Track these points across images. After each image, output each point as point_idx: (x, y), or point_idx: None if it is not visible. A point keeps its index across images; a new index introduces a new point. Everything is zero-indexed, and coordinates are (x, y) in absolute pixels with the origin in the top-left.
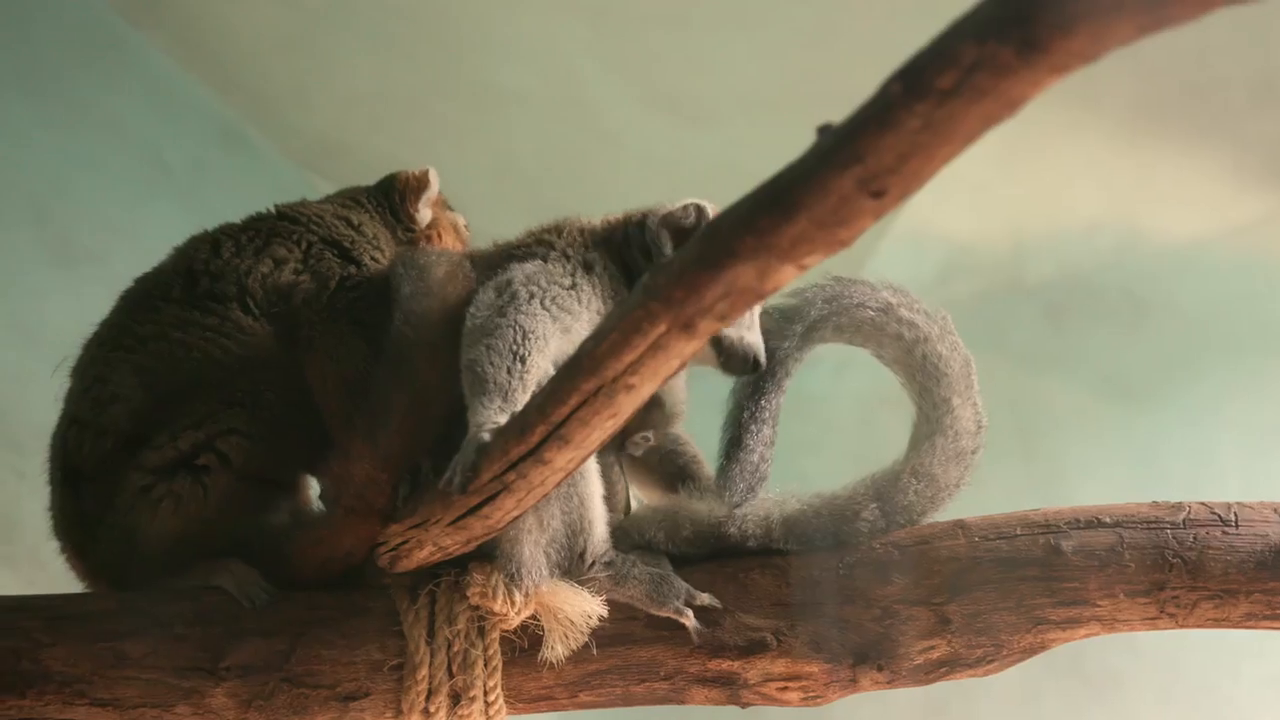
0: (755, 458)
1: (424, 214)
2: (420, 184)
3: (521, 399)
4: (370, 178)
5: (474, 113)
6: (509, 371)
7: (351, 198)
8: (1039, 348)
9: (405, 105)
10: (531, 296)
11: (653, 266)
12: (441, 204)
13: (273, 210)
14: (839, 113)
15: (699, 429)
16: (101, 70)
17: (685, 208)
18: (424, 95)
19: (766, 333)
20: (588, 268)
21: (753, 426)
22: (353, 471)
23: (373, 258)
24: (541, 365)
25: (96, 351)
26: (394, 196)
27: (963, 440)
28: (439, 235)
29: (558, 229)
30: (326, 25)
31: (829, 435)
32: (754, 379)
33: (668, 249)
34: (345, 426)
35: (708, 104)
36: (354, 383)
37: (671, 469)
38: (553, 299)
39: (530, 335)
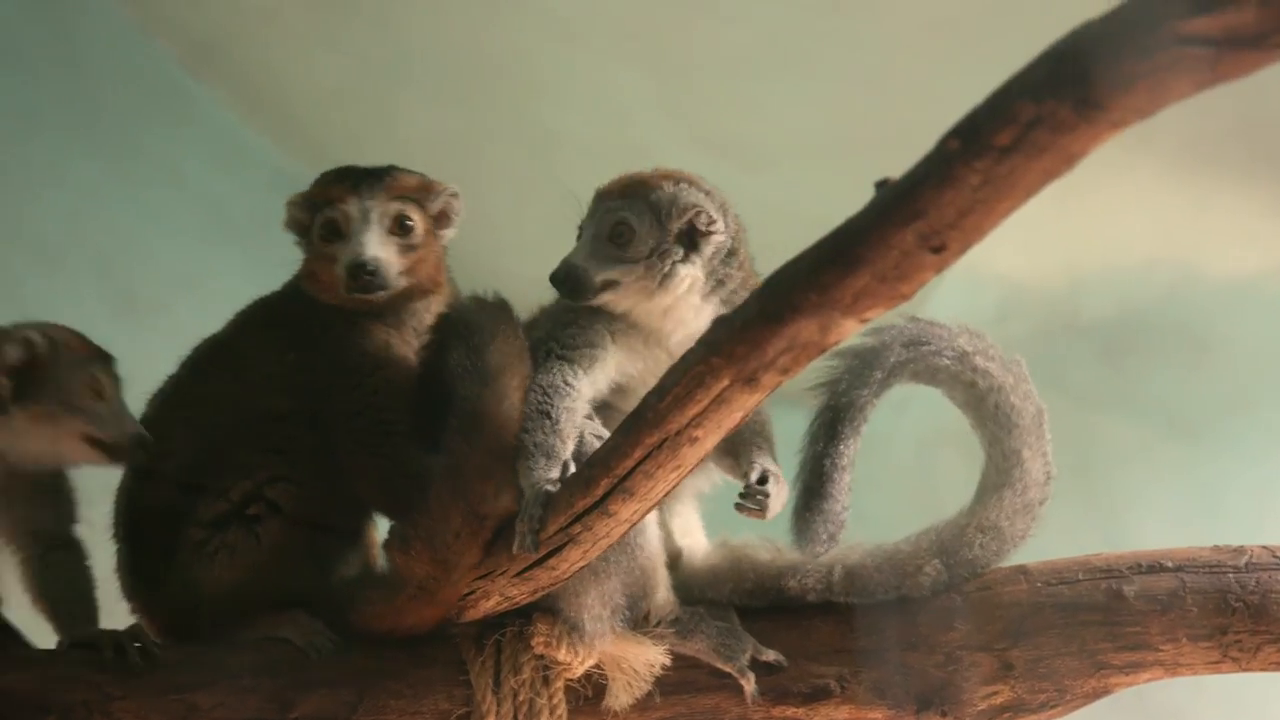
0: (837, 507)
1: None
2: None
3: (563, 449)
4: None
5: (530, 158)
6: (543, 431)
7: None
8: (1096, 386)
9: (462, 152)
10: (548, 354)
11: (713, 322)
12: None
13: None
14: (892, 157)
15: None
16: (164, 122)
17: None
18: (480, 142)
19: (842, 377)
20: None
21: (834, 475)
22: (413, 570)
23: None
24: (573, 410)
25: (158, 409)
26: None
27: (1030, 492)
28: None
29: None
30: (384, 75)
31: (888, 474)
32: (833, 424)
33: None
34: (395, 514)
35: (761, 148)
36: (392, 476)
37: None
38: (563, 345)
39: (551, 389)
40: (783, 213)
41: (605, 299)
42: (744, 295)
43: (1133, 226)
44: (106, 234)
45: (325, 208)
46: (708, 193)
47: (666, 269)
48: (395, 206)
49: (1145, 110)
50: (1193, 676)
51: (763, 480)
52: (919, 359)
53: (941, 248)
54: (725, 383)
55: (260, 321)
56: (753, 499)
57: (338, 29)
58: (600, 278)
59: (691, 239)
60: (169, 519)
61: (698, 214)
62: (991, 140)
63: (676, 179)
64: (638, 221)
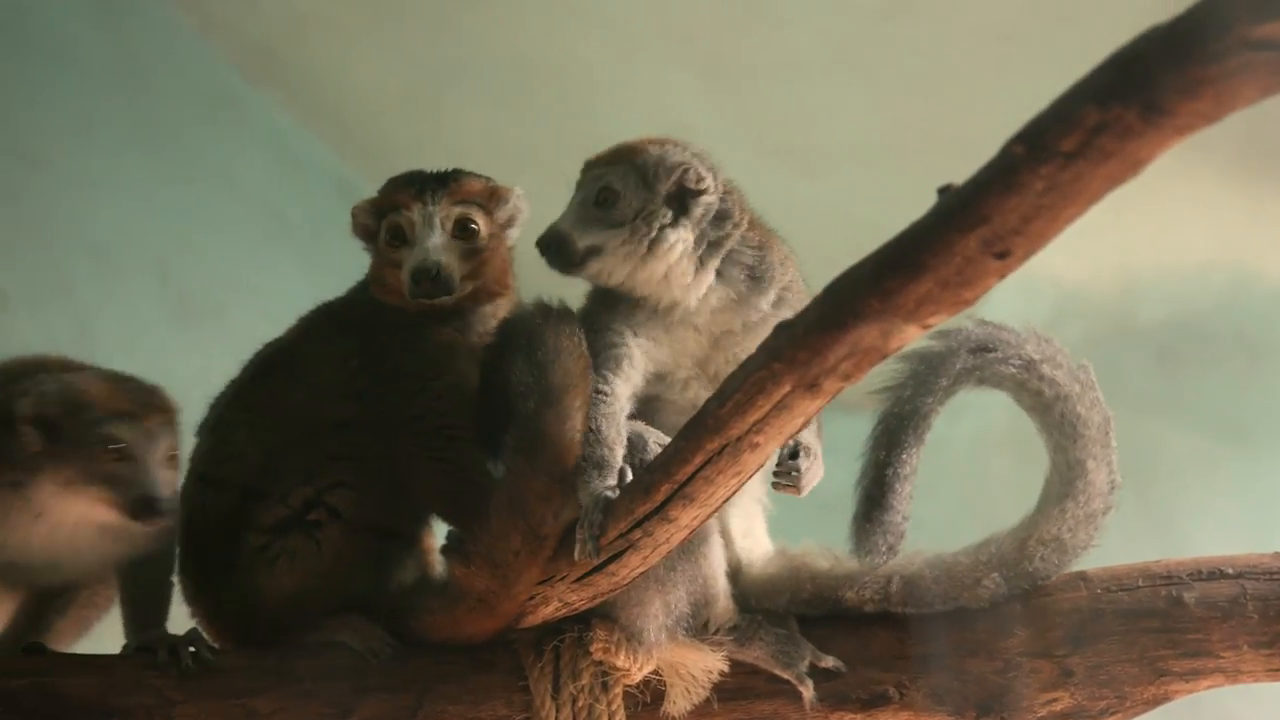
0: (898, 518)
1: None
2: None
3: (613, 456)
4: None
5: None
6: (589, 444)
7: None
8: (1151, 391)
9: (519, 157)
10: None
11: (775, 328)
12: None
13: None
14: (949, 162)
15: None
16: (221, 128)
17: None
18: (537, 147)
19: (906, 384)
20: (595, 299)
21: (896, 484)
22: (473, 583)
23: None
24: (613, 415)
25: (220, 412)
26: None
27: (1094, 503)
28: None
29: None
30: (441, 80)
31: (943, 479)
32: (895, 432)
33: None
34: (457, 520)
35: (818, 153)
36: (455, 482)
37: None
38: (595, 352)
39: (590, 400)
40: (840, 217)
41: (592, 268)
42: (749, 256)
43: (1188, 231)
44: (163, 238)
45: (391, 213)
46: (697, 154)
47: (653, 233)
48: (459, 211)
49: (1212, 116)
50: (1253, 684)
51: (794, 455)
52: (985, 365)
53: (1005, 254)
54: (787, 388)
55: (325, 327)
56: (786, 475)
57: (394, 34)
58: (584, 243)
59: (681, 201)
60: (230, 524)
61: (685, 171)
62: (1057, 146)
63: (663, 142)
64: (622, 184)
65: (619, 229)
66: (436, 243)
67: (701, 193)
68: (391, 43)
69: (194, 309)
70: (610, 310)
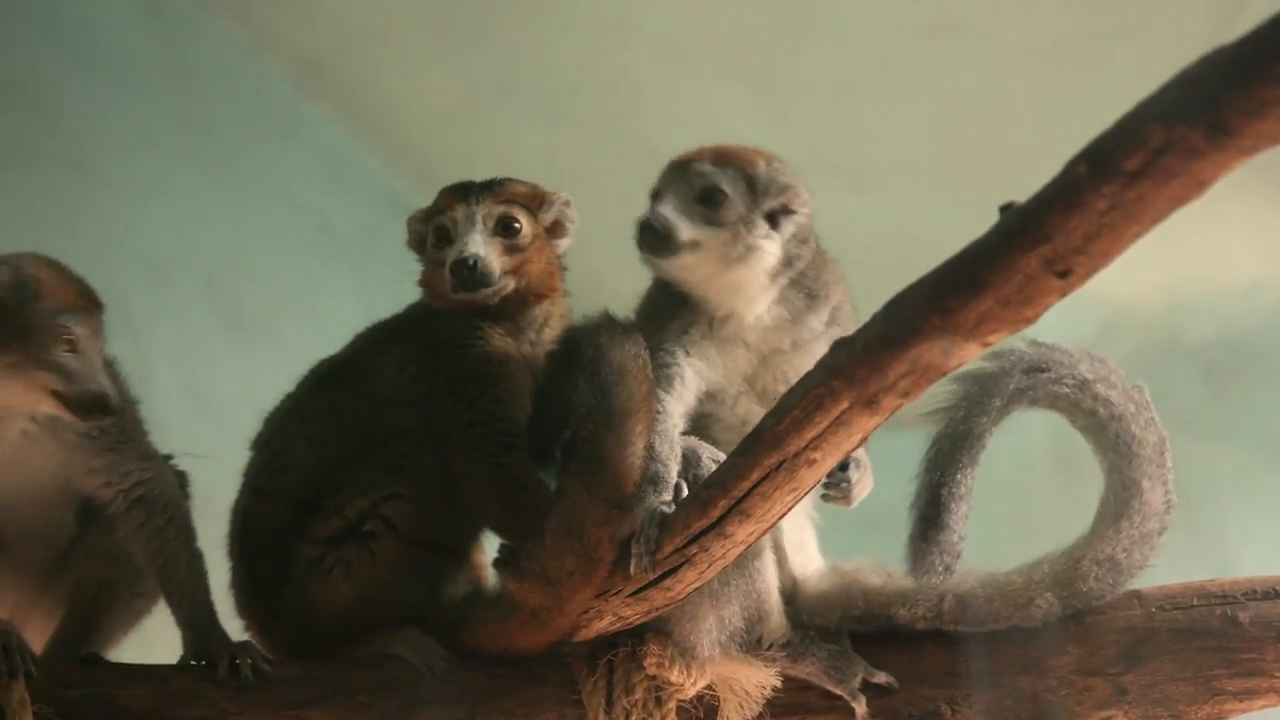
0: (954, 537)
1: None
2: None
3: (668, 473)
4: None
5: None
6: (646, 459)
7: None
8: (1198, 410)
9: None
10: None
11: (834, 345)
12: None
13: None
14: (999, 179)
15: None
16: (273, 141)
17: None
18: (587, 161)
19: (960, 404)
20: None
21: (952, 505)
22: (527, 599)
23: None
24: (666, 432)
25: (275, 424)
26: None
27: (1150, 523)
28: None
29: None
30: (491, 94)
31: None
32: (951, 452)
33: None
34: (511, 529)
35: (870, 169)
36: (511, 490)
37: None
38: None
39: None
40: (890, 234)
41: (684, 260)
42: (808, 277)
43: (1237, 250)
44: (214, 250)
45: (437, 216)
46: (796, 173)
47: (752, 240)
48: (501, 209)
49: (1277, 137)
50: None
51: (844, 467)
52: (1038, 386)
53: (1067, 273)
54: (845, 405)
55: (381, 338)
56: (835, 486)
57: (445, 49)
58: (687, 236)
59: (776, 217)
60: (284, 536)
61: (794, 195)
62: (1121, 165)
63: (769, 158)
64: (732, 188)
65: (720, 229)
66: (475, 237)
67: (797, 213)
68: (442, 58)
69: (244, 321)
70: (662, 328)
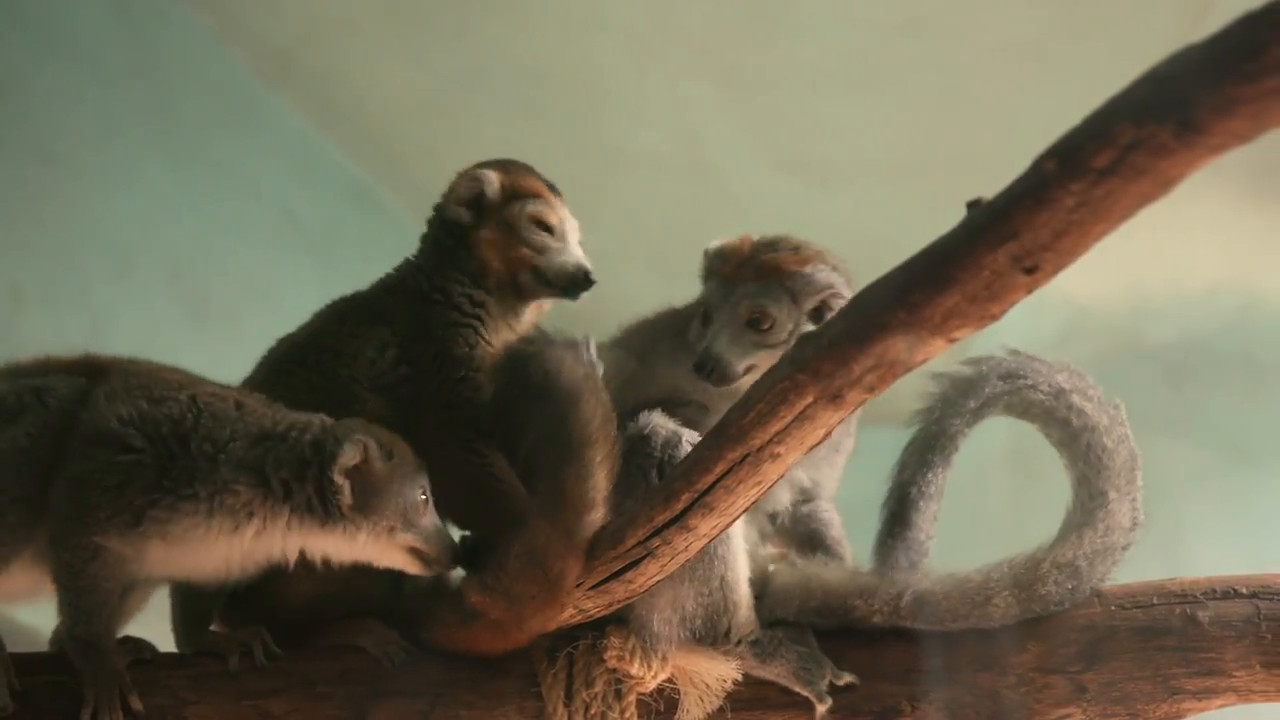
0: (921, 535)
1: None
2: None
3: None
4: None
5: (602, 174)
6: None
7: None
8: (1158, 411)
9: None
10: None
11: (800, 339)
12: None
13: (392, 276)
14: (965, 176)
15: (851, 491)
16: (238, 132)
17: None
18: (553, 156)
19: (936, 405)
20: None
21: (920, 503)
22: (489, 610)
23: (481, 339)
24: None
25: None
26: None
27: (1113, 536)
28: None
29: None
30: (457, 88)
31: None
32: (923, 452)
33: None
34: (479, 520)
35: (835, 167)
36: (481, 477)
37: (803, 534)
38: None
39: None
40: (857, 231)
41: (744, 382)
42: None
43: (1199, 252)
44: (180, 241)
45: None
46: (833, 266)
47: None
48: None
49: (1246, 135)
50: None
51: None
52: (1014, 392)
53: (1034, 269)
54: (810, 399)
55: (362, 317)
56: None
57: (412, 41)
58: (743, 365)
59: (819, 313)
60: None
61: (834, 295)
62: (1089, 162)
63: (804, 258)
64: (776, 309)
65: (772, 350)
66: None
67: (838, 300)
68: (409, 50)
69: (208, 311)
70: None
